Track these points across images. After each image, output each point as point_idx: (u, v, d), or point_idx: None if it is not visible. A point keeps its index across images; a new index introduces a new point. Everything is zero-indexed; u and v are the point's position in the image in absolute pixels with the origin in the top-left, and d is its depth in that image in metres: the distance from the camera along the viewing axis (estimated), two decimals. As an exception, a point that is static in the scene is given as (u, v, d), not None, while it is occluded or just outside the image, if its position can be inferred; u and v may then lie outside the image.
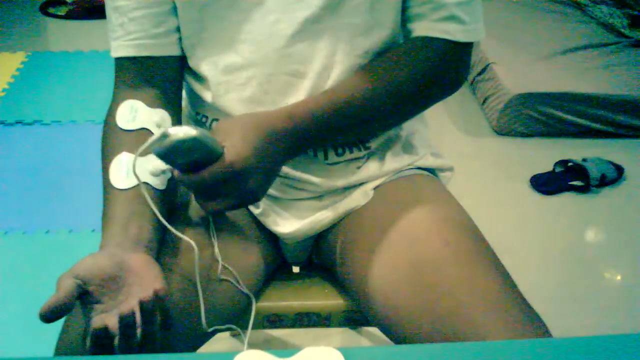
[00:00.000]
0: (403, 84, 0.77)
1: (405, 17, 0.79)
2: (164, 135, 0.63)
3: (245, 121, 0.71)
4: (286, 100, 0.78)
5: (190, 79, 0.85)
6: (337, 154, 0.84)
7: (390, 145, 0.88)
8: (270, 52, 0.76)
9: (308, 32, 0.76)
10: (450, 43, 0.77)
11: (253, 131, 0.69)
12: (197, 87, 0.84)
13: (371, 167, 0.86)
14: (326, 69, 0.77)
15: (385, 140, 0.87)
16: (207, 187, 0.67)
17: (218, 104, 0.81)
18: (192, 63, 0.82)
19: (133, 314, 0.57)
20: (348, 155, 0.84)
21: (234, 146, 0.67)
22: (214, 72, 0.79)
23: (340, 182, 0.85)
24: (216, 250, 0.78)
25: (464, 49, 0.79)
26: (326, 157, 0.83)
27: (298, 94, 0.78)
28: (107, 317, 0.59)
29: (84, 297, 0.59)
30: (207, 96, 0.82)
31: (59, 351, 0.66)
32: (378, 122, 0.81)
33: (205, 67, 0.80)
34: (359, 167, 0.86)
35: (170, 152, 0.64)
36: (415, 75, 0.77)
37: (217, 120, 0.84)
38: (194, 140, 0.63)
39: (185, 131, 0.63)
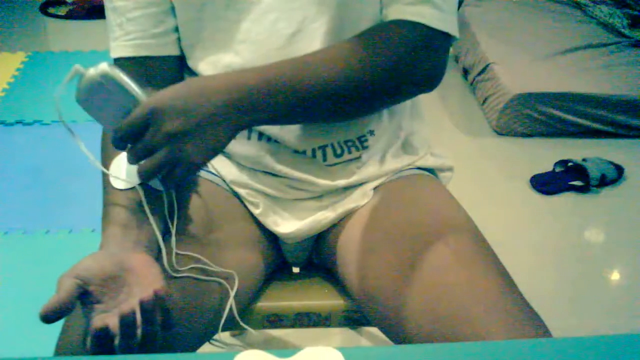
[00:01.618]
0: (366, 61, 0.72)
1: (382, 5, 0.76)
2: (78, 74, 0.59)
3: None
4: None
5: (190, 79, 0.85)
6: (336, 155, 0.84)
7: (390, 146, 0.88)
8: (270, 52, 0.76)
9: (307, 31, 0.76)
10: (423, 28, 0.73)
11: (183, 84, 0.68)
12: (196, 87, 0.83)
13: (371, 167, 0.86)
14: None
15: (384, 141, 0.87)
16: (130, 137, 0.64)
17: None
18: (191, 63, 0.81)
19: (133, 313, 0.57)
20: (347, 156, 0.84)
21: (157, 92, 0.65)
22: (213, 72, 0.79)
23: (340, 182, 0.85)
24: (173, 239, 0.73)
25: (439, 39, 0.75)
26: (325, 159, 0.83)
27: None
28: (107, 317, 0.59)
29: (84, 297, 0.59)
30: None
31: (59, 351, 0.66)
32: (333, 98, 0.72)
33: (204, 67, 0.80)
34: (359, 167, 0.86)
35: (88, 95, 0.61)
36: (381, 57, 0.72)
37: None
38: (108, 78, 0.59)
39: (101, 67, 0.59)
